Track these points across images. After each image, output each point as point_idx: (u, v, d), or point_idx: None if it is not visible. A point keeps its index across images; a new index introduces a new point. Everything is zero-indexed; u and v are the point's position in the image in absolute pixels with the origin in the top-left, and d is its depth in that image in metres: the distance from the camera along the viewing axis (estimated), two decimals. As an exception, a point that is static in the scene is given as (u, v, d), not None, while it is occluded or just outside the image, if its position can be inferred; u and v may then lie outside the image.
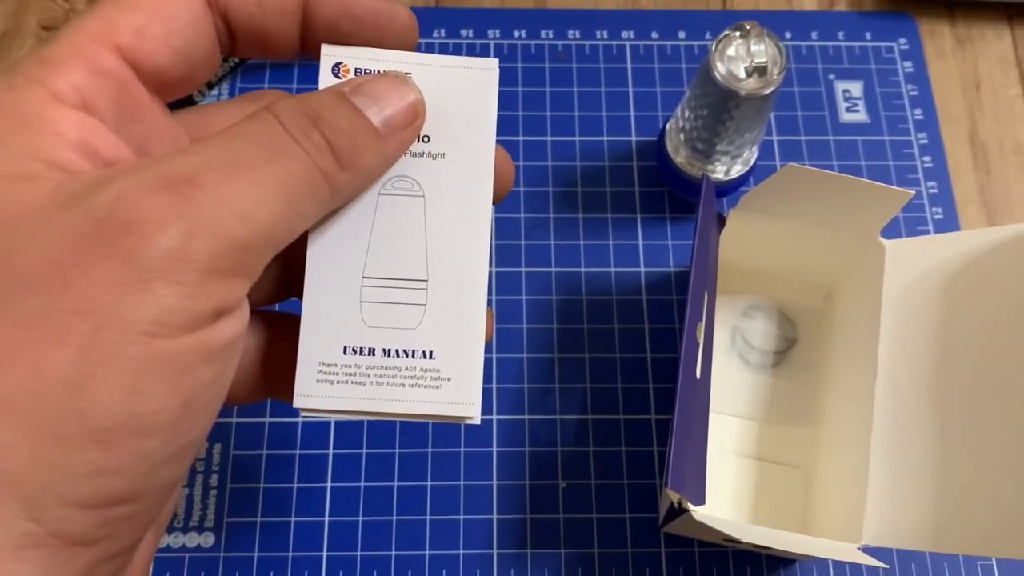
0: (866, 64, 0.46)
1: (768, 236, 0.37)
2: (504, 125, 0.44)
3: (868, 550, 0.32)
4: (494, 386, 0.39)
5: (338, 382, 0.24)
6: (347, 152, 0.22)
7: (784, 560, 0.37)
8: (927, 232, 0.43)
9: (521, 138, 0.44)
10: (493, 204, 0.25)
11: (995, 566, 0.38)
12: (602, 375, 0.40)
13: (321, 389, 0.24)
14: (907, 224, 0.43)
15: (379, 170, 0.23)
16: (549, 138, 0.44)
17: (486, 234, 0.24)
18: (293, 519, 0.37)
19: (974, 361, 0.32)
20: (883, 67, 0.46)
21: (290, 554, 0.36)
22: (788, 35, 0.47)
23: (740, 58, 0.36)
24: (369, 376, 0.24)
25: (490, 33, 0.46)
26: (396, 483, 0.38)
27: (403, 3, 0.25)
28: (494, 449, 0.38)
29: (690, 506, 0.31)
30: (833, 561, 0.37)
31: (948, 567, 0.37)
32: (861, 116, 0.45)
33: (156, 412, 0.19)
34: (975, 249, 0.34)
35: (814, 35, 0.47)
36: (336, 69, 0.24)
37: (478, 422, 0.24)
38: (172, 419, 0.19)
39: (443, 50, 0.45)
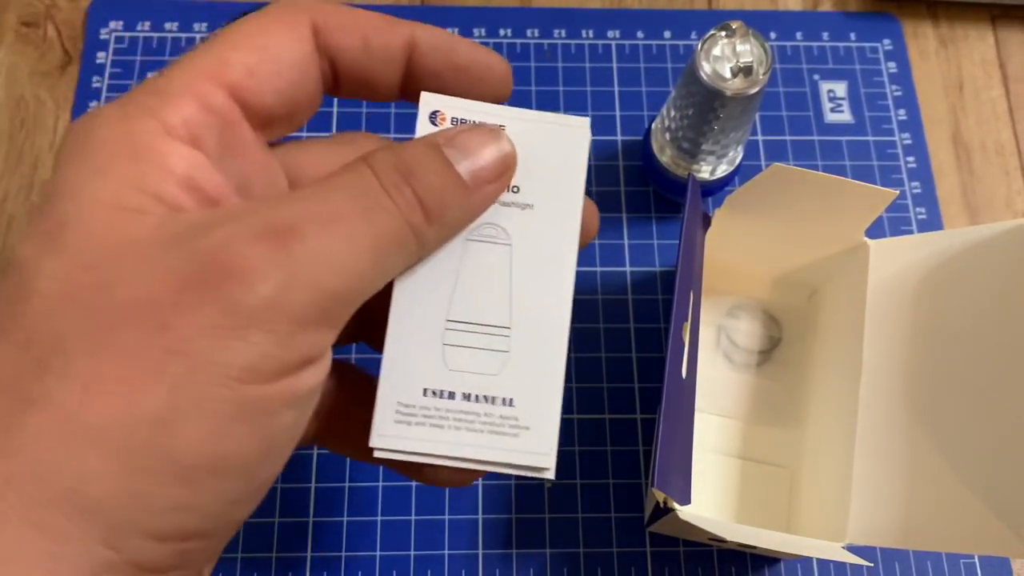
0: (850, 64, 0.47)
1: (753, 236, 0.37)
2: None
3: (852, 549, 0.32)
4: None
5: (416, 424, 0.24)
6: (435, 208, 0.22)
7: (769, 559, 0.37)
8: (911, 232, 0.43)
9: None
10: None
11: (977, 564, 0.38)
12: (588, 375, 0.40)
13: (398, 430, 0.24)
14: (891, 224, 0.44)
15: (464, 222, 0.24)
16: (535, 137, 0.44)
17: (570, 286, 0.24)
18: (277, 520, 0.37)
19: (958, 359, 0.32)
20: (867, 68, 0.47)
21: (274, 555, 0.36)
22: (773, 35, 0.47)
23: (726, 58, 0.36)
24: (448, 420, 0.24)
25: (475, 32, 0.46)
26: (381, 483, 0.38)
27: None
28: (479, 449, 0.38)
29: (675, 505, 0.31)
30: (817, 560, 0.38)
31: (931, 565, 0.38)
32: (845, 116, 0.45)
33: (238, 455, 0.19)
34: (958, 247, 0.34)
35: (799, 35, 0.47)
36: (434, 117, 0.24)
37: (552, 476, 0.24)
38: (252, 462, 0.20)
39: (428, 48, 0.45)
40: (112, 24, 0.44)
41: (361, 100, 0.26)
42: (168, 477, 0.18)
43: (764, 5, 0.48)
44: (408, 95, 0.25)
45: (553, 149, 0.25)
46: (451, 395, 0.24)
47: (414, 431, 0.24)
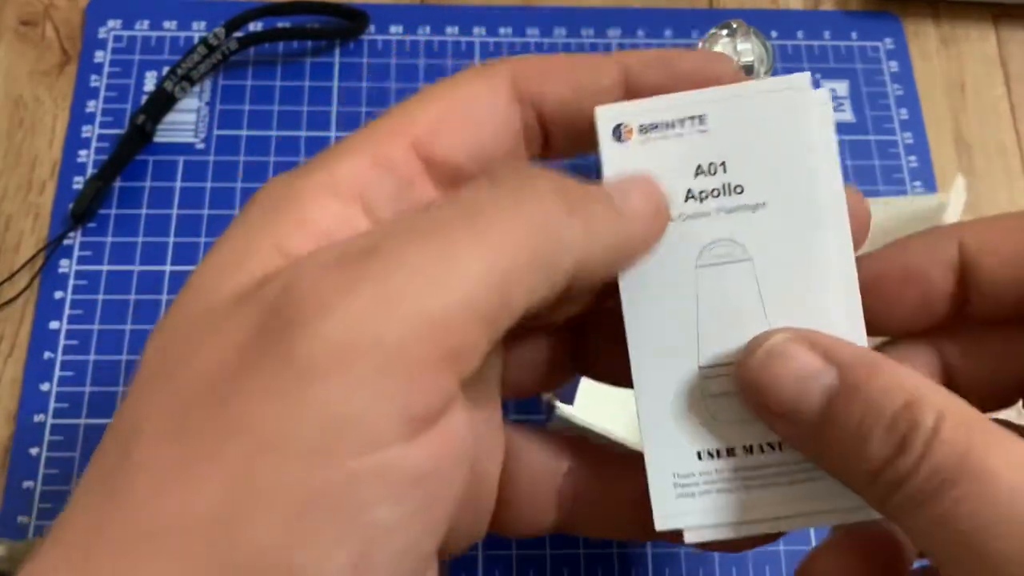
0: (852, 64, 0.47)
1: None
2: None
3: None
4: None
5: (701, 494, 0.20)
6: (580, 199, 0.18)
7: (771, 560, 0.37)
8: (912, 232, 0.43)
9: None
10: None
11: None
12: (588, 375, 0.40)
13: (684, 505, 0.20)
14: (892, 224, 0.43)
15: (618, 247, 0.20)
16: (535, 136, 0.44)
17: (850, 288, 0.20)
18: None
19: None
20: (869, 67, 0.47)
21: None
22: (774, 34, 0.47)
23: (727, 57, 0.36)
24: (735, 481, 0.20)
25: (476, 31, 0.46)
26: (380, 484, 0.37)
27: None
28: (479, 449, 0.38)
29: (558, 404, 0.29)
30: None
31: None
32: (847, 116, 0.45)
33: (319, 563, 0.15)
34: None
35: (800, 34, 0.47)
36: (618, 132, 0.21)
37: (872, 514, 0.20)
38: (341, 569, 0.15)
39: (427, 47, 0.45)
40: (111, 23, 0.44)
41: (578, 154, 0.22)
42: None
43: (765, 4, 0.48)
44: None
45: (771, 125, 0.20)
46: (730, 452, 0.20)
47: (702, 502, 0.20)
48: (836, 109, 0.46)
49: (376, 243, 0.16)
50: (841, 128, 0.45)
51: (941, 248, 0.21)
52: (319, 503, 0.15)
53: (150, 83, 0.43)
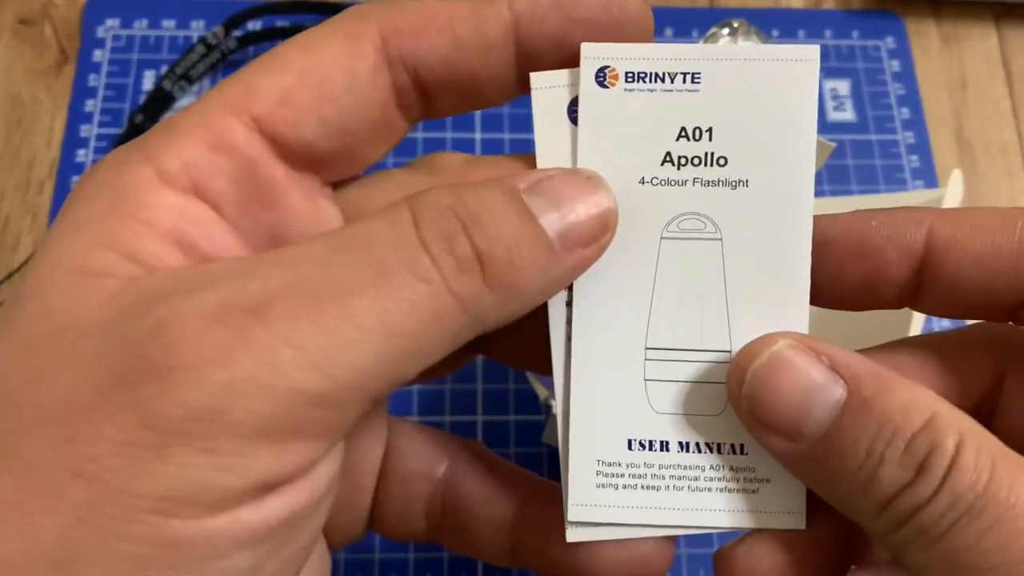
0: (853, 63, 0.46)
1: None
2: (492, 123, 0.44)
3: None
4: (479, 387, 0.39)
5: (624, 486, 0.19)
6: (503, 269, 0.16)
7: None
8: (914, 231, 0.43)
9: (507, 136, 0.44)
10: None
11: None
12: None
13: (603, 496, 0.19)
14: (894, 223, 0.43)
15: (541, 295, 0.18)
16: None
17: (806, 283, 0.19)
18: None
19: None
20: (870, 66, 0.46)
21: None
22: (775, 33, 0.47)
23: (728, 56, 0.36)
24: (664, 478, 0.19)
25: (476, 30, 0.46)
26: (380, 485, 0.37)
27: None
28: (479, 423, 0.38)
29: (553, 403, 0.28)
30: None
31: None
32: (848, 115, 0.45)
33: None
34: None
35: (801, 33, 0.47)
36: (602, 76, 0.19)
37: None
38: None
39: (428, 46, 0.45)
40: (109, 22, 0.44)
41: (470, 111, 0.21)
42: None
43: (766, 3, 0.48)
44: (528, 86, 0.20)
45: (770, 97, 0.18)
46: (664, 446, 0.19)
47: (624, 496, 0.19)
48: (837, 108, 0.45)
49: (266, 300, 0.15)
50: (842, 127, 0.45)
51: (907, 231, 0.18)
52: (165, 555, 0.15)
53: (149, 82, 0.43)
